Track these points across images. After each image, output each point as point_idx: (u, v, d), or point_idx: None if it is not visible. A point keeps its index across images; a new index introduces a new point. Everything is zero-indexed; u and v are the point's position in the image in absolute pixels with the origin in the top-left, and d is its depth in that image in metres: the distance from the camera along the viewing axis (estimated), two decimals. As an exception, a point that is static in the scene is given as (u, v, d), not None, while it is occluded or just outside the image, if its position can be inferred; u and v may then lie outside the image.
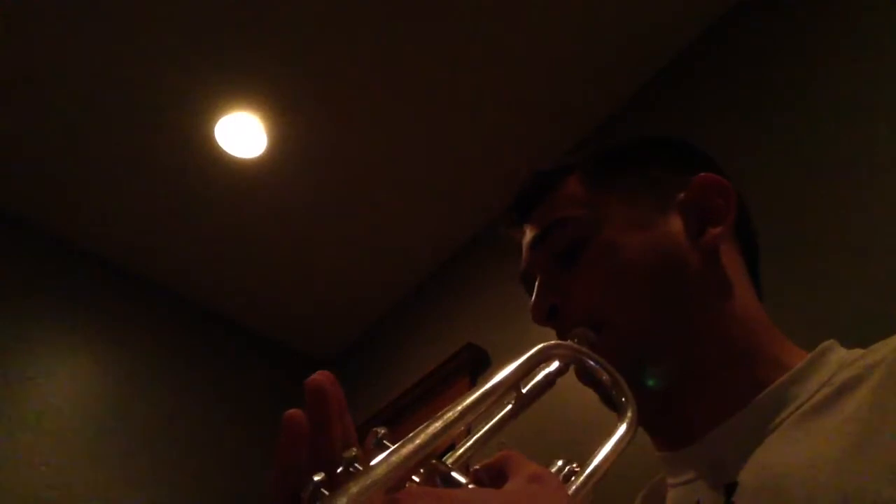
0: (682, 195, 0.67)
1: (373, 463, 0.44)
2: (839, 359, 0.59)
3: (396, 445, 0.45)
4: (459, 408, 0.49)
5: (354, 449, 0.50)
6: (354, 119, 2.60)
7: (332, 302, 3.28)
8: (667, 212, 0.66)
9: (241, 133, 2.65)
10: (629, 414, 0.55)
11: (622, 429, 0.54)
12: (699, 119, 2.07)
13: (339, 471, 0.48)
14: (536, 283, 0.68)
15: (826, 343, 0.61)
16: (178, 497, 2.83)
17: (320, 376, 0.47)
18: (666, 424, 0.64)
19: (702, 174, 0.67)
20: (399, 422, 2.63)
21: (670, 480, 0.64)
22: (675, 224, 0.66)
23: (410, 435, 0.46)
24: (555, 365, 0.57)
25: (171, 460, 2.89)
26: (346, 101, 2.55)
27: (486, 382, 0.51)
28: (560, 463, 0.54)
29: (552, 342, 0.56)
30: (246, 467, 3.00)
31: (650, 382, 0.61)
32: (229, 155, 2.72)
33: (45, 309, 2.89)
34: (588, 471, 0.51)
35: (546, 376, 0.56)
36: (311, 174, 2.80)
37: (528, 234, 0.71)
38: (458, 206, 2.78)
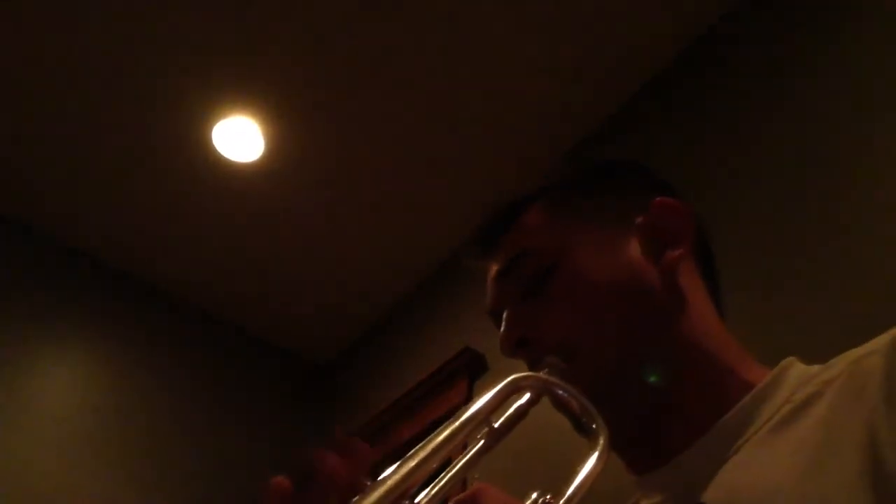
0: (640, 219, 0.68)
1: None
2: (798, 375, 0.60)
3: (366, 491, 0.46)
4: (430, 447, 0.50)
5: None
6: (351, 123, 2.60)
7: (330, 305, 3.29)
8: (627, 236, 0.67)
9: (239, 137, 2.65)
10: (601, 441, 0.56)
11: (594, 456, 0.55)
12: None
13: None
14: (504, 317, 0.69)
15: (786, 360, 0.62)
16: (178, 499, 2.85)
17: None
18: (638, 448, 0.65)
19: (659, 198, 0.68)
20: (396, 426, 2.64)
21: (643, 503, 0.65)
22: (635, 248, 0.67)
23: (381, 478, 0.47)
24: (526, 397, 0.57)
25: (170, 461, 2.91)
26: (344, 105, 2.56)
27: (456, 419, 0.52)
28: (535, 495, 0.55)
29: (521, 374, 0.57)
30: (245, 468, 3.02)
31: (621, 406, 0.62)
32: (227, 159, 2.73)
33: (43, 312, 2.91)
34: (562, 501, 0.52)
35: (517, 409, 0.57)
36: (308, 178, 2.81)
37: (493, 269, 0.71)
38: (455, 208, 2.79)
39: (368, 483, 0.51)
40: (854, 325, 1.32)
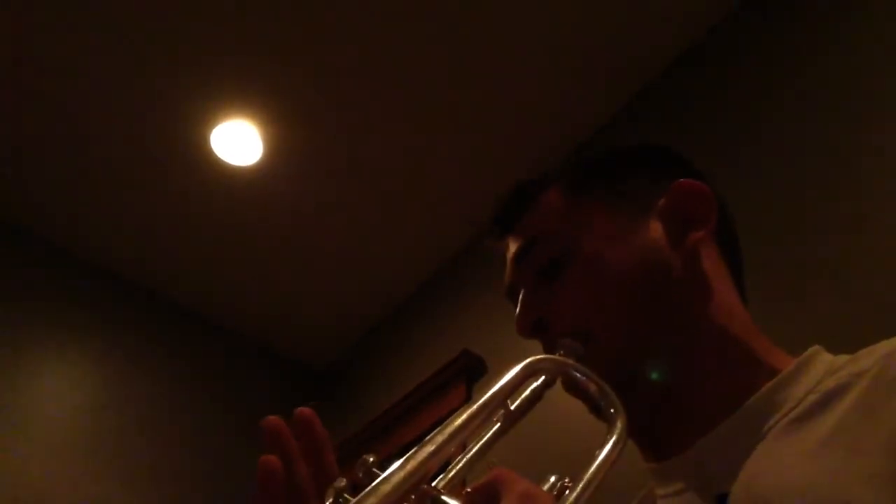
0: (661, 201, 0.67)
1: (363, 493, 0.44)
2: (825, 365, 0.58)
3: (386, 473, 0.45)
4: (448, 430, 0.49)
5: (344, 479, 0.50)
6: (350, 126, 2.60)
7: (328, 309, 3.27)
8: (647, 219, 0.66)
9: (237, 141, 2.64)
10: (619, 424, 0.55)
11: (612, 440, 0.54)
12: (694, 125, 2.10)
13: (329, 503, 0.48)
14: (520, 298, 0.68)
15: (813, 348, 0.61)
16: (172, 501, 2.83)
17: (274, 418, 0.50)
18: (656, 433, 0.64)
19: (680, 180, 0.67)
20: (395, 429, 2.63)
21: (659, 492, 0.63)
22: (656, 231, 0.66)
23: (400, 461, 0.46)
24: (541, 379, 0.57)
25: (165, 466, 2.89)
26: (342, 109, 2.55)
27: (473, 403, 0.52)
28: (553, 479, 0.54)
29: (538, 356, 0.56)
30: (239, 472, 2.99)
31: (639, 390, 0.61)
32: (225, 162, 2.71)
33: (41, 315, 2.89)
34: (580, 485, 0.51)
35: (533, 391, 0.56)
36: (306, 181, 2.80)
37: (511, 249, 0.70)
38: (453, 212, 2.78)
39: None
40: (875, 315, 1.33)
